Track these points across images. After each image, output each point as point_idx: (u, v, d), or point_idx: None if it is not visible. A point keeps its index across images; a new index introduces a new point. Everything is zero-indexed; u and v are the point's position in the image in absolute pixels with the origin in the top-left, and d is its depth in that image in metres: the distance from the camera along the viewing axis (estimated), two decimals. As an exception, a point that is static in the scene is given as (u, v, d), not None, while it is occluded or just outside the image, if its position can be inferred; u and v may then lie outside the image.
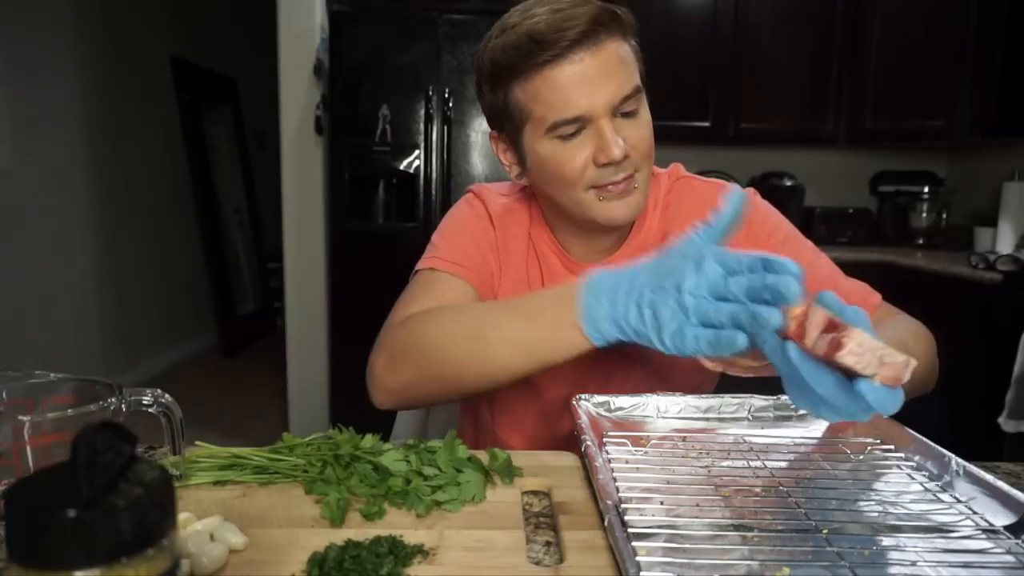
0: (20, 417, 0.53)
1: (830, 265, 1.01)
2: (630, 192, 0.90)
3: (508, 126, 0.92)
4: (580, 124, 0.85)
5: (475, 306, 0.82)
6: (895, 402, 0.57)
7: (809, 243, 1.02)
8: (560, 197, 0.92)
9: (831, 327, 0.58)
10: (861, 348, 0.56)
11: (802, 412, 0.86)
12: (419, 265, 0.99)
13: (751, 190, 1.05)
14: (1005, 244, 2.77)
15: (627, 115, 0.87)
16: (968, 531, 0.60)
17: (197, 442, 0.73)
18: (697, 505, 0.63)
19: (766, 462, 0.72)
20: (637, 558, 0.53)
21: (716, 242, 0.66)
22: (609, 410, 0.85)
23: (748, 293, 0.60)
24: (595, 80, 0.84)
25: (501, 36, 0.88)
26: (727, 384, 0.92)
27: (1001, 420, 2.12)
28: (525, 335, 0.73)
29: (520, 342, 0.73)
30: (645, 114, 0.90)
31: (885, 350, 0.56)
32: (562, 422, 1.00)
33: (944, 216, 3.31)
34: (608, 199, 0.89)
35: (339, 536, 0.57)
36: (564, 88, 0.84)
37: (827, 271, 1.00)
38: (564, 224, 0.99)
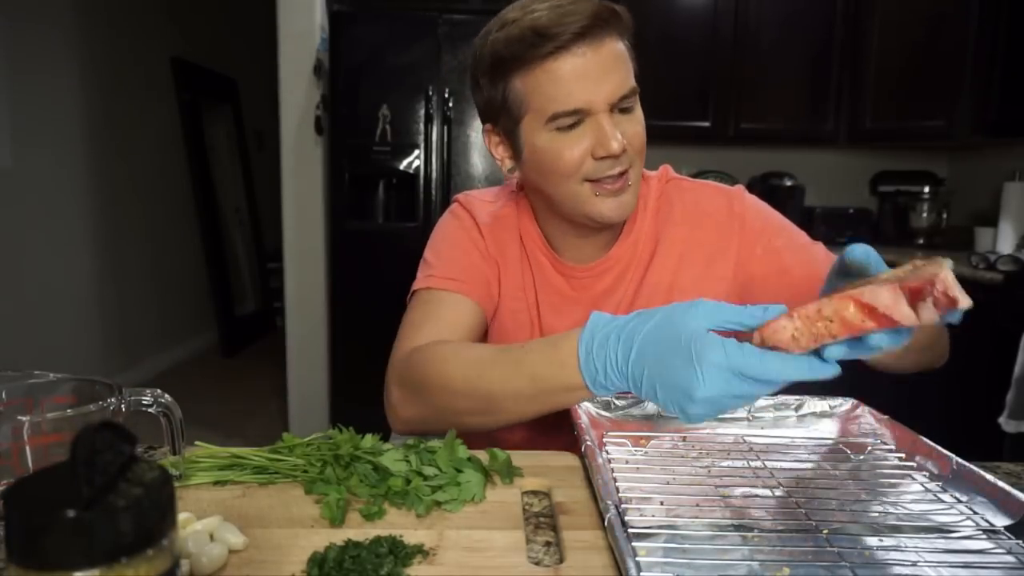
0: (20, 417, 0.53)
1: (825, 252, 1.02)
2: (624, 190, 0.91)
3: (504, 118, 0.92)
4: (579, 117, 0.87)
5: (475, 356, 0.81)
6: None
7: (802, 233, 1.03)
8: (555, 191, 0.92)
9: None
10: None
11: (802, 412, 0.86)
12: (416, 285, 1.00)
13: (740, 187, 1.06)
14: (1005, 244, 2.77)
15: (624, 111, 0.89)
16: (968, 531, 0.60)
17: (197, 442, 0.73)
18: (697, 505, 0.63)
19: (766, 462, 0.72)
20: (637, 558, 0.53)
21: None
22: (609, 410, 0.85)
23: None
24: (596, 74, 0.85)
25: (502, 30, 0.88)
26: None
27: (1001, 420, 2.12)
28: (532, 393, 0.74)
29: (528, 399, 0.75)
30: (639, 112, 0.91)
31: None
32: (560, 422, 1.00)
33: (944, 216, 3.31)
34: (603, 196, 0.90)
35: (339, 536, 0.57)
36: (565, 80, 0.85)
37: (822, 256, 1.01)
38: (555, 224, 0.99)
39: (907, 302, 0.51)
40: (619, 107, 0.88)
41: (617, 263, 1.01)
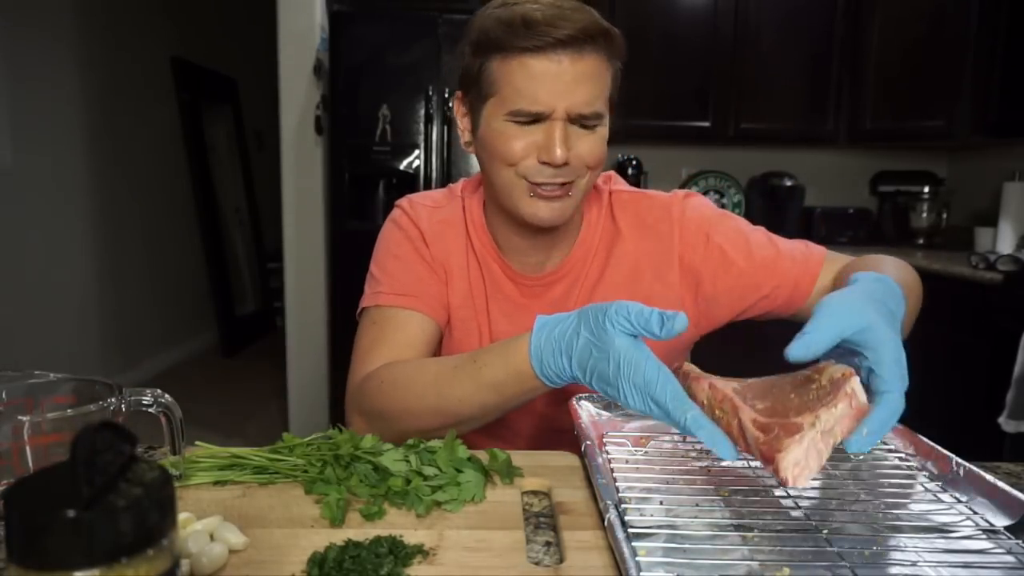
0: (20, 417, 0.53)
1: (767, 236, 1.02)
2: (561, 199, 0.91)
3: (474, 93, 0.93)
4: (537, 118, 0.88)
5: (431, 376, 0.83)
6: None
7: (742, 221, 1.03)
8: (495, 177, 0.93)
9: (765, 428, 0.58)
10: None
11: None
12: (364, 302, 1.00)
13: (682, 191, 1.05)
14: (1005, 244, 2.77)
15: (584, 126, 0.89)
16: (968, 531, 0.60)
17: (197, 442, 0.73)
18: (697, 505, 0.63)
19: (766, 462, 0.72)
20: (637, 558, 0.53)
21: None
22: (609, 410, 0.85)
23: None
24: (566, 84, 0.86)
25: (499, 8, 0.89)
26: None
27: (1001, 420, 2.12)
28: (496, 401, 0.78)
29: (493, 406, 0.79)
30: (603, 130, 0.92)
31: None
32: (554, 422, 1.00)
33: (944, 216, 3.31)
34: (537, 199, 0.91)
35: (339, 536, 0.57)
36: (535, 80, 0.86)
37: (764, 240, 1.01)
38: (503, 227, 1.00)
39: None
40: (580, 122, 0.88)
41: (568, 273, 1.01)
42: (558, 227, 0.96)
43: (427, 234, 1.02)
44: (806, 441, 0.55)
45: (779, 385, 0.62)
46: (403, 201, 1.07)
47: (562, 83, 0.85)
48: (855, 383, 0.57)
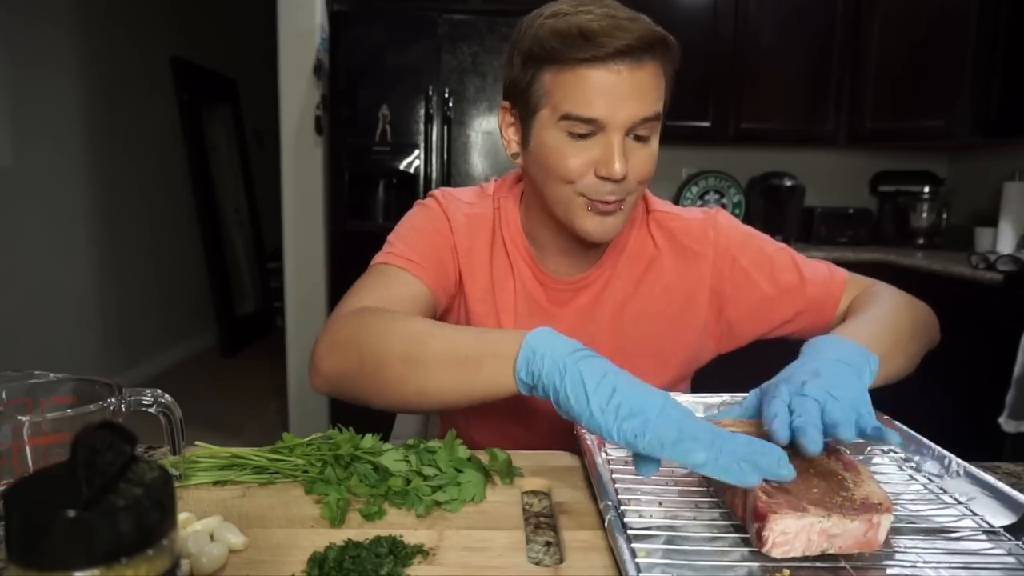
0: (20, 417, 0.53)
1: (791, 258, 1.01)
2: (614, 213, 0.91)
3: (522, 104, 0.91)
4: (592, 128, 0.86)
5: (419, 330, 0.76)
6: None
7: (766, 240, 1.03)
8: (550, 191, 0.92)
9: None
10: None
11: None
12: (373, 261, 0.98)
13: (716, 209, 1.05)
14: (1005, 244, 2.77)
15: (638, 139, 0.88)
16: (968, 532, 0.60)
17: (197, 442, 0.73)
18: (697, 505, 0.63)
19: (766, 462, 0.72)
20: (637, 559, 0.53)
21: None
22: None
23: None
24: (623, 94, 0.84)
25: (552, 19, 0.87)
26: (726, 383, 0.92)
27: (1001, 420, 2.12)
28: (468, 342, 0.71)
29: (458, 355, 0.71)
30: (655, 143, 0.91)
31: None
32: (539, 423, 1.00)
33: (944, 216, 3.31)
34: (593, 213, 0.90)
35: (339, 536, 0.58)
36: (592, 91, 0.84)
37: (789, 263, 1.01)
38: (543, 230, 0.99)
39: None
40: (635, 133, 0.87)
41: (597, 280, 1.01)
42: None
43: (454, 223, 1.01)
44: (805, 521, 0.53)
45: (806, 474, 0.60)
46: (436, 192, 1.06)
47: (621, 93, 0.84)
48: (887, 522, 0.55)
